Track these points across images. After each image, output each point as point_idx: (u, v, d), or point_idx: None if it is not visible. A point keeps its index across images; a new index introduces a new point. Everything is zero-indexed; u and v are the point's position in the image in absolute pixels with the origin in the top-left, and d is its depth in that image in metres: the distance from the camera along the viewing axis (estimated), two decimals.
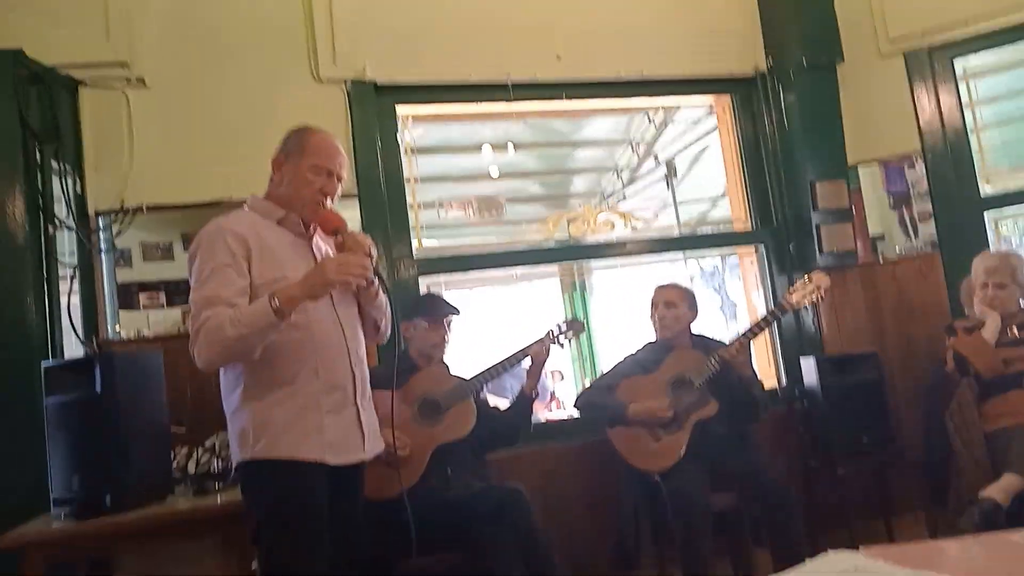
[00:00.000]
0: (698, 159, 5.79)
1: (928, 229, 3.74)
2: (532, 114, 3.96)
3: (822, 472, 3.37)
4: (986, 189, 3.80)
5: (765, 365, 3.82)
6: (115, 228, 3.03)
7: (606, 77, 3.68)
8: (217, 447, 2.62)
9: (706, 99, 4.20)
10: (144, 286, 3.09)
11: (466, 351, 3.51)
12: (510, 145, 5.45)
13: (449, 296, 3.00)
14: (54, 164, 2.88)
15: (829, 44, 3.72)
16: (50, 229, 2.82)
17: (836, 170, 3.73)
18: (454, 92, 3.57)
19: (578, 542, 3.18)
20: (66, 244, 2.90)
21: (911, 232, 3.79)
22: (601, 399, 3.11)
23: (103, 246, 3.01)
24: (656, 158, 6.05)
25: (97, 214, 3.02)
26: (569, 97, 3.69)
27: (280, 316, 1.87)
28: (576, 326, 2.98)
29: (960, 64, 3.81)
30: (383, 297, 2.19)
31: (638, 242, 3.78)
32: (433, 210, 4.92)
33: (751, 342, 3.03)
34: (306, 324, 1.99)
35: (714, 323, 6.04)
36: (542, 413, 5.12)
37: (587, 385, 3.36)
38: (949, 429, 2.97)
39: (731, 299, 6.13)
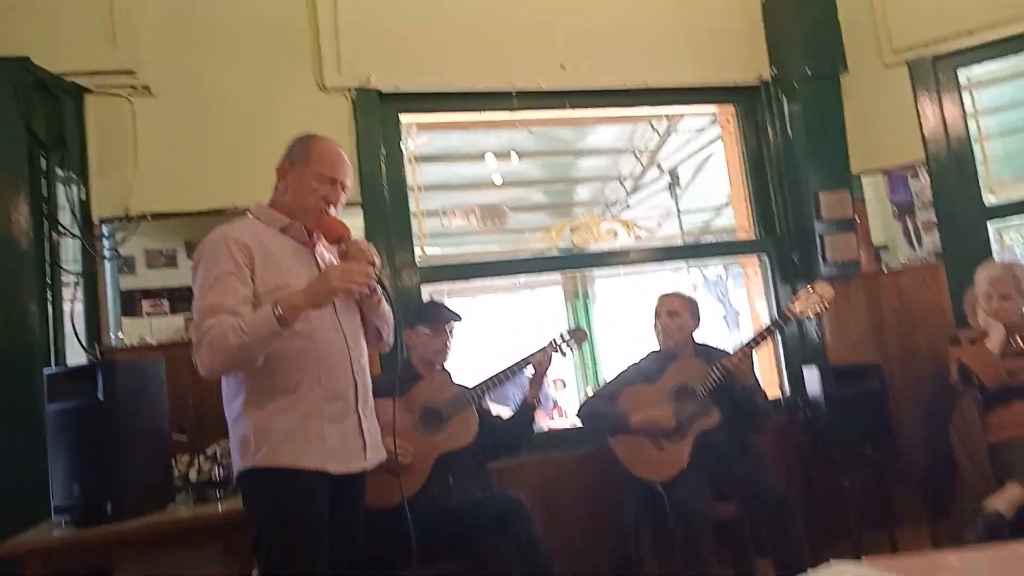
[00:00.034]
0: (702, 168, 5.80)
1: (932, 239, 3.73)
2: (536, 122, 3.97)
3: (824, 482, 3.37)
4: (990, 199, 3.79)
5: (768, 374, 3.81)
6: (119, 235, 3.04)
7: (610, 85, 3.69)
8: (218, 455, 2.61)
9: (709, 108, 4.20)
10: (147, 293, 3.10)
11: (469, 359, 3.51)
12: (513, 154, 5.46)
13: (452, 304, 3.00)
14: (59, 171, 2.89)
15: (833, 53, 3.73)
16: (54, 236, 2.83)
17: (839, 180, 3.73)
18: (458, 100, 3.58)
19: (579, 551, 3.17)
20: (70, 251, 2.91)
21: (915, 242, 3.79)
22: (603, 408, 3.10)
23: (107, 253, 3.02)
24: (660, 167, 6.05)
25: (101, 221, 3.02)
26: (573, 106, 3.70)
27: (283, 324, 1.87)
28: (579, 335, 2.98)
29: (964, 74, 3.81)
30: (386, 305, 2.19)
31: (641, 251, 3.77)
32: (436, 218, 4.93)
33: (754, 351, 3.03)
34: (309, 332, 1.99)
35: (717, 332, 6.03)
36: (544, 422, 5.11)
37: (589, 394, 3.36)
38: (952, 440, 2.97)
39: (734, 308, 6.13)
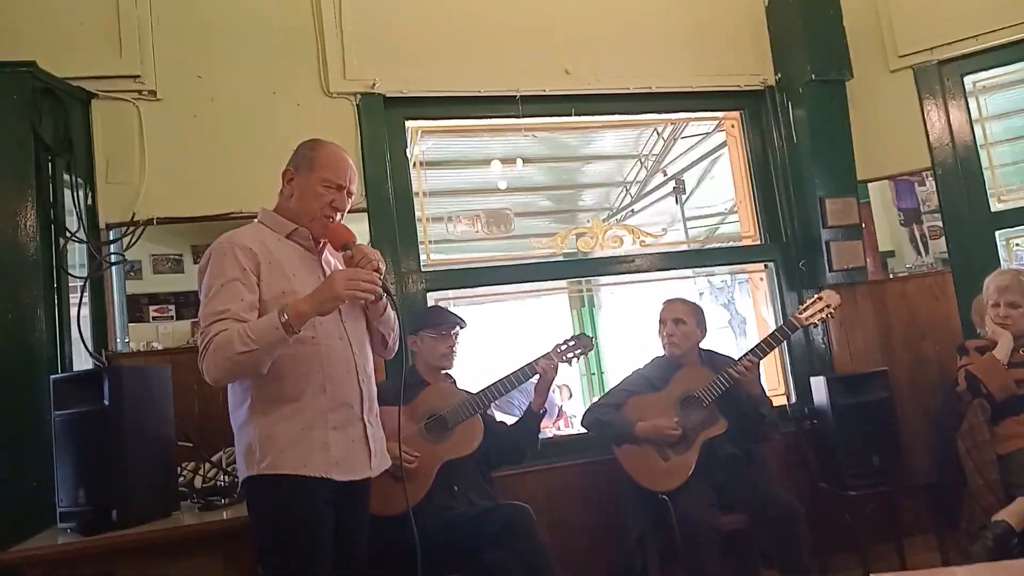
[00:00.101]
0: (707, 174, 5.78)
1: (939, 246, 3.72)
2: (541, 128, 3.96)
3: (831, 493, 3.34)
4: (997, 207, 3.77)
5: (774, 383, 3.79)
6: (126, 240, 3.04)
7: (615, 90, 3.69)
8: (224, 462, 2.61)
9: (715, 115, 4.19)
10: (154, 298, 3.10)
11: (474, 366, 3.50)
12: (519, 159, 5.45)
13: (457, 310, 2.99)
14: (66, 176, 2.90)
15: (838, 59, 3.71)
16: (61, 241, 2.83)
17: (845, 186, 3.71)
18: (463, 106, 3.58)
19: (584, 561, 3.15)
20: (77, 256, 2.92)
21: (921, 249, 3.77)
22: (609, 417, 3.09)
23: (113, 258, 3.02)
24: (665, 173, 6.04)
25: (108, 226, 3.03)
26: (578, 112, 3.70)
27: (289, 331, 1.86)
28: (585, 343, 2.96)
29: (970, 80, 3.80)
30: (391, 312, 2.18)
31: (647, 257, 3.76)
32: (441, 224, 4.92)
33: (760, 359, 3.02)
34: (314, 339, 1.99)
35: (723, 339, 6.00)
36: (549, 430, 5.09)
37: (595, 402, 3.34)
38: (960, 451, 2.93)
39: (740, 314, 6.09)
